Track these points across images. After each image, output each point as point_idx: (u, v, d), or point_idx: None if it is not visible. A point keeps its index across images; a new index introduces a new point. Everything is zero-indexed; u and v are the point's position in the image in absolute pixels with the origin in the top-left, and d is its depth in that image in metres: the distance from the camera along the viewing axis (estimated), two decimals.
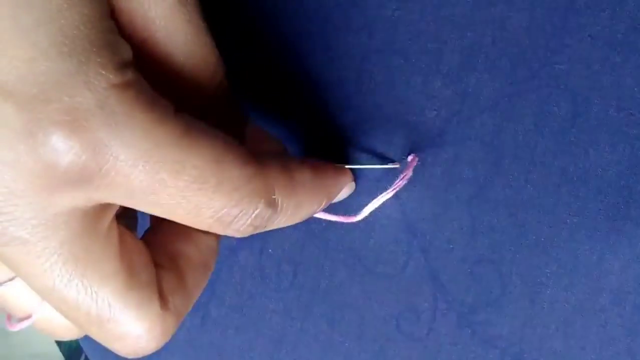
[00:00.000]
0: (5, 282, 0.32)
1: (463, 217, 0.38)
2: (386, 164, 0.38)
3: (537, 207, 0.37)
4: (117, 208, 0.28)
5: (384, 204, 0.38)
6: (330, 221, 0.39)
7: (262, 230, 0.30)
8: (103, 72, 0.25)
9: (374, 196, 0.38)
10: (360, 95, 0.38)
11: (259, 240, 0.40)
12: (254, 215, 0.28)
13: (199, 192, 0.27)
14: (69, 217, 0.26)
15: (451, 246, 0.38)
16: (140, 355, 0.30)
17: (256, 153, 0.30)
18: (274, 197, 0.29)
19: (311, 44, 0.39)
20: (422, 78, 0.38)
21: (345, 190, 0.37)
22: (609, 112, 0.36)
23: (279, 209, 0.30)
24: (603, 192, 0.36)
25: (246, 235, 0.29)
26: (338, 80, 0.39)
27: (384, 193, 0.37)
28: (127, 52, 0.26)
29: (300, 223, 0.39)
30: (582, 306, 0.37)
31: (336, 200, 0.37)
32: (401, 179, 0.36)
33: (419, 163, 0.38)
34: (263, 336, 0.40)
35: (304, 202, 0.32)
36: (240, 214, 0.28)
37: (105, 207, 0.27)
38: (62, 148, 0.24)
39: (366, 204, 0.38)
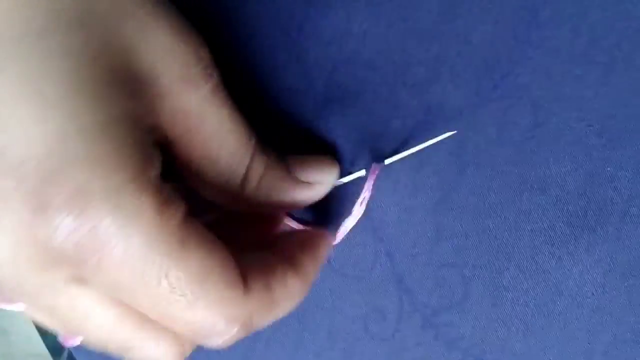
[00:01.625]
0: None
1: (427, 222, 0.39)
2: (353, 172, 0.39)
3: (499, 214, 0.38)
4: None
5: (351, 208, 0.39)
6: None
7: None
8: (126, 166, 0.26)
9: (343, 205, 0.39)
10: (329, 105, 0.39)
11: None
12: (227, 337, 0.29)
13: (174, 303, 0.28)
14: (68, 282, 0.28)
15: (416, 250, 0.39)
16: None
17: (244, 264, 0.30)
18: (251, 322, 0.30)
19: (283, 54, 0.40)
20: (389, 89, 0.39)
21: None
22: (569, 123, 0.37)
23: (254, 328, 0.31)
24: (562, 201, 0.37)
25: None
26: (308, 90, 0.40)
27: (353, 212, 0.38)
28: (155, 159, 0.28)
29: None
30: (541, 309, 0.38)
31: None
32: (366, 190, 0.37)
33: (384, 171, 0.39)
34: None
35: (279, 314, 0.32)
36: (213, 334, 0.29)
37: None
38: (61, 226, 0.26)
39: (337, 211, 0.39)
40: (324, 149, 0.39)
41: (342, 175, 0.39)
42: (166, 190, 0.28)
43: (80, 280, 0.28)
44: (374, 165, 0.38)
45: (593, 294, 0.38)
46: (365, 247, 0.40)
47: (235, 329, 0.29)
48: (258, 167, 0.34)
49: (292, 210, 0.39)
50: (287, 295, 0.32)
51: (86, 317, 0.29)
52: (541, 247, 0.38)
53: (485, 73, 0.38)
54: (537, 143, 0.37)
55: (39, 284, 0.28)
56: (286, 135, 0.40)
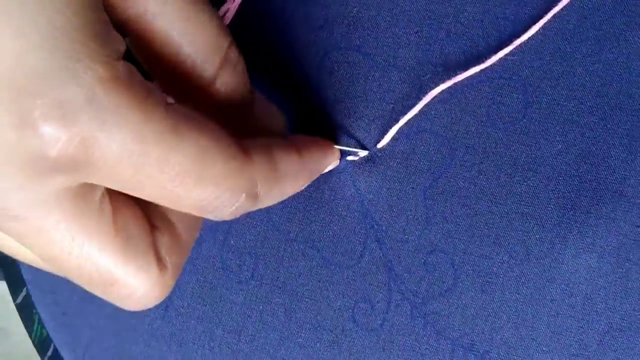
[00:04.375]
0: None
1: (418, 207, 0.38)
2: (350, 156, 0.38)
3: (490, 197, 0.37)
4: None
5: (343, 194, 0.38)
6: (290, 212, 0.39)
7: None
8: (92, 66, 0.26)
9: (336, 190, 0.39)
10: (322, 90, 0.39)
11: (222, 232, 0.41)
12: (234, 207, 0.29)
13: (181, 185, 0.28)
14: (61, 197, 0.27)
15: (406, 236, 0.38)
16: (143, 309, 0.31)
17: (244, 142, 0.30)
18: (256, 190, 0.30)
19: (274, 41, 0.40)
20: (380, 73, 0.38)
21: (330, 166, 0.38)
22: (560, 101, 0.36)
23: (260, 199, 0.31)
24: (554, 181, 0.36)
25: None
26: (300, 75, 0.39)
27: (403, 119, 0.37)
28: (119, 44, 0.27)
29: (261, 214, 0.39)
30: (532, 296, 0.37)
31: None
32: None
33: (375, 155, 0.38)
34: (223, 327, 0.41)
35: (287, 188, 0.33)
36: (221, 206, 0.29)
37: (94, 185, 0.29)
38: (50, 139, 0.25)
39: (329, 196, 0.39)
40: (316, 133, 0.39)
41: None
42: (142, 82, 0.27)
43: (74, 191, 0.27)
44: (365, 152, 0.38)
45: (586, 279, 0.36)
46: (356, 234, 0.39)
47: (242, 199, 0.29)
48: (229, 71, 0.33)
49: None
50: (290, 168, 0.32)
51: (71, 240, 0.28)
52: (532, 231, 0.36)
53: (475, 54, 0.37)
54: (528, 123, 0.37)
55: (32, 198, 0.27)
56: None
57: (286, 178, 0.32)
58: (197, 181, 0.28)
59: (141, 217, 0.31)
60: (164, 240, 0.31)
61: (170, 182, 0.27)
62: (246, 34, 0.40)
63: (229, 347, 0.41)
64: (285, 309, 0.40)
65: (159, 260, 0.30)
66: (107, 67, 0.26)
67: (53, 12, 0.25)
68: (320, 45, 0.39)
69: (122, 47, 0.27)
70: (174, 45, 0.31)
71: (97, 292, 0.30)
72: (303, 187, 0.35)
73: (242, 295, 0.40)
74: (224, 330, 0.41)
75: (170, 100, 0.29)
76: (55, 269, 0.30)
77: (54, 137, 0.25)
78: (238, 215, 0.30)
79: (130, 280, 0.29)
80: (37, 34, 0.25)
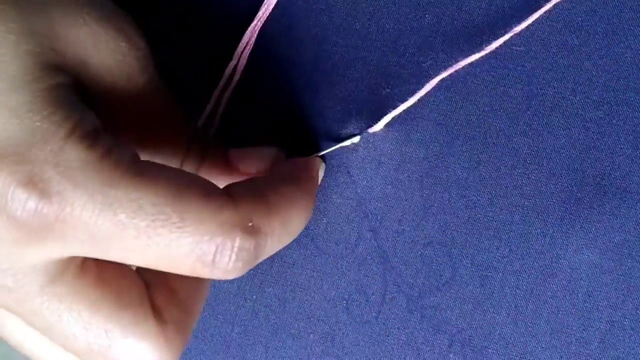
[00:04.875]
0: None
1: (414, 197, 0.37)
2: (342, 142, 0.38)
3: (490, 189, 0.36)
4: None
5: (337, 180, 0.38)
6: None
7: (257, 262, 0.29)
8: (60, 126, 0.26)
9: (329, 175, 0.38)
10: (317, 74, 0.38)
11: None
12: (236, 248, 0.27)
13: (164, 230, 0.26)
14: (44, 265, 0.27)
15: (402, 227, 0.37)
16: None
17: (224, 187, 0.30)
18: (251, 224, 0.28)
19: (273, 25, 0.39)
20: (379, 57, 0.37)
21: (320, 176, 0.38)
22: (565, 94, 0.35)
23: (262, 234, 0.29)
24: (556, 175, 0.36)
25: (240, 274, 0.28)
26: (298, 59, 0.38)
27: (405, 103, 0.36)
28: (89, 115, 0.28)
29: None
30: (533, 292, 0.36)
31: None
32: None
33: (370, 141, 0.37)
34: (216, 317, 0.40)
35: (290, 216, 0.31)
36: (219, 250, 0.27)
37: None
38: (20, 199, 0.25)
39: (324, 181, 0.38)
40: (311, 118, 0.38)
41: (330, 144, 0.38)
42: (108, 135, 0.28)
43: (56, 261, 0.27)
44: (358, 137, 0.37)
45: (588, 276, 0.35)
46: (350, 223, 0.38)
47: (238, 236, 0.27)
48: (194, 158, 0.35)
49: None
50: (280, 194, 0.31)
51: (59, 303, 0.28)
52: (533, 224, 0.36)
53: (479, 42, 0.36)
54: (531, 115, 0.36)
55: (14, 269, 0.27)
56: (274, 105, 0.39)
57: (281, 205, 0.30)
58: (180, 222, 0.27)
59: (131, 274, 0.30)
60: (158, 293, 0.30)
61: (150, 229, 0.26)
62: (245, 19, 0.39)
63: (221, 337, 0.40)
64: (279, 299, 0.39)
65: (156, 312, 0.29)
66: (73, 127, 0.26)
67: (33, 86, 0.27)
68: (319, 29, 0.38)
69: (91, 117, 0.28)
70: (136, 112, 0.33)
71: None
72: (309, 210, 0.33)
73: (235, 284, 0.40)
74: (217, 321, 0.40)
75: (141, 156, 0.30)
76: (56, 340, 0.29)
77: (22, 195, 0.26)
78: (249, 263, 0.28)
79: (128, 339, 0.28)
80: (15, 102, 0.26)
